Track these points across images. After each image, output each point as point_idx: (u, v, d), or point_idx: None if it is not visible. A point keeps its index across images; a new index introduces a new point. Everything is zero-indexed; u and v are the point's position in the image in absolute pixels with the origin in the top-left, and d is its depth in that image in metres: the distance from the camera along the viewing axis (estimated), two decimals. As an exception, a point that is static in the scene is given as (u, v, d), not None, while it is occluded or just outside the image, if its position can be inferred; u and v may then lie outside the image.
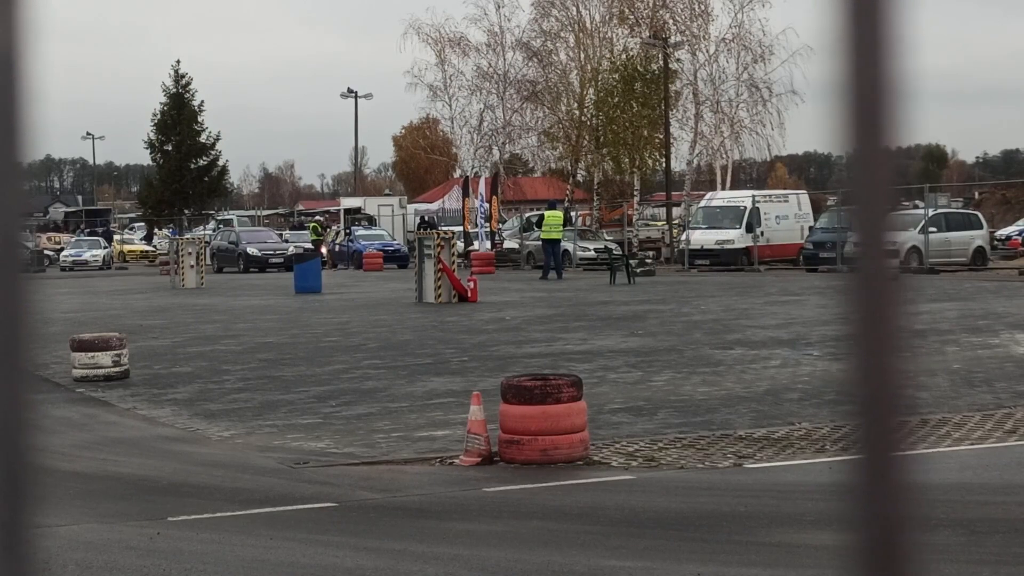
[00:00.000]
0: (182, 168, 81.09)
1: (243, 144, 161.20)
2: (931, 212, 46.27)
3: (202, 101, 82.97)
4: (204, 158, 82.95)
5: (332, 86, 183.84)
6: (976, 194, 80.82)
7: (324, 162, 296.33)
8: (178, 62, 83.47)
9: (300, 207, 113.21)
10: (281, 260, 56.82)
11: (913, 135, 1.66)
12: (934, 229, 44.29)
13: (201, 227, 77.26)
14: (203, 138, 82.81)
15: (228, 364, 20.61)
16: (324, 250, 60.52)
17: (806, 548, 8.58)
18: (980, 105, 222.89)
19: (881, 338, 1.68)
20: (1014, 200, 66.82)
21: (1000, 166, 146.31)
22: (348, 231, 65.68)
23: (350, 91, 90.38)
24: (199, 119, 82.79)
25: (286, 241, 63.34)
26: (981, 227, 47.10)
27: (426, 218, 65.85)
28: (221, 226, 76.92)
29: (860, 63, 1.62)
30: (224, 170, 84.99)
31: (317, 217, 69.64)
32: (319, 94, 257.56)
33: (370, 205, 76.65)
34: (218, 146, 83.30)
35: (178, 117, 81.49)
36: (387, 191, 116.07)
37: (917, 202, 62.09)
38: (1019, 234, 55.62)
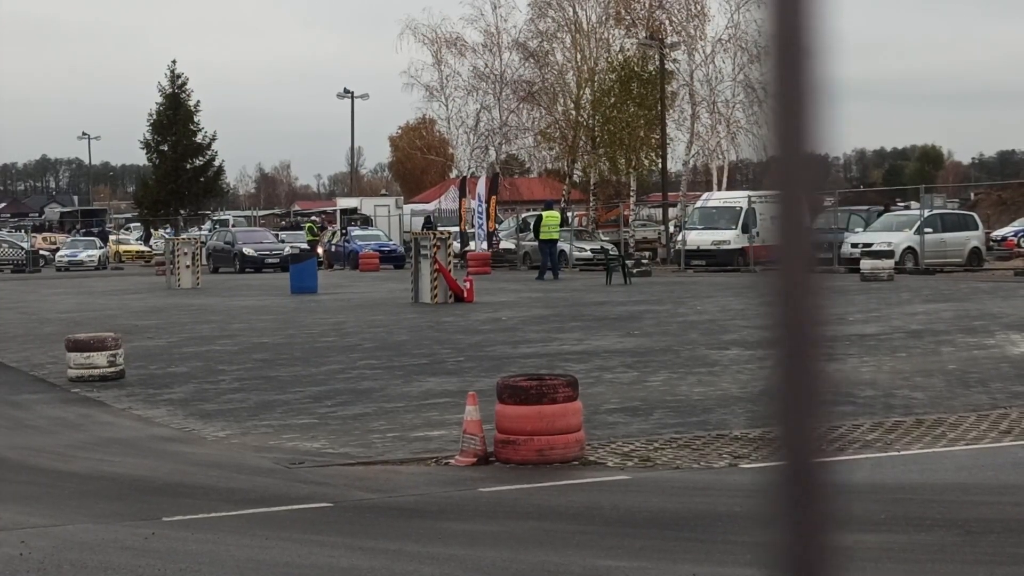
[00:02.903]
0: (178, 168, 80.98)
1: (239, 144, 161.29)
2: (927, 213, 46.30)
3: (198, 101, 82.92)
4: (200, 158, 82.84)
5: (328, 86, 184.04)
6: (972, 195, 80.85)
7: (320, 162, 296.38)
8: (174, 62, 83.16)
9: (296, 207, 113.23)
10: (277, 260, 56.74)
11: (841, 140, 1.65)
12: (930, 230, 44.32)
13: (197, 227, 77.19)
14: (199, 138, 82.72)
15: (224, 364, 20.60)
16: (320, 250, 60.47)
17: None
18: (976, 107, 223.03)
19: (801, 341, 1.68)
20: (1010, 201, 66.85)
21: (996, 167, 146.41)
22: (344, 231, 65.64)
23: (346, 91, 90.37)
24: (195, 119, 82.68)
25: (282, 241, 63.28)
26: (977, 228, 47.13)
27: (431, 218, 65.85)
28: (217, 226, 76.85)
29: (783, 67, 1.61)
30: (220, 170, 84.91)
31: (313, 217, 69.62)
32: (315, 94, 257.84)
33: (366, 205, 76.63)
34: (214, 146, 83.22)
35: (174, 117, 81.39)
36: (383, 191, 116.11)
37: (911, 203, 62.19)
38: (1015, 235, 55.65)
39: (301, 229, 73.09)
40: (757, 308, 1.63)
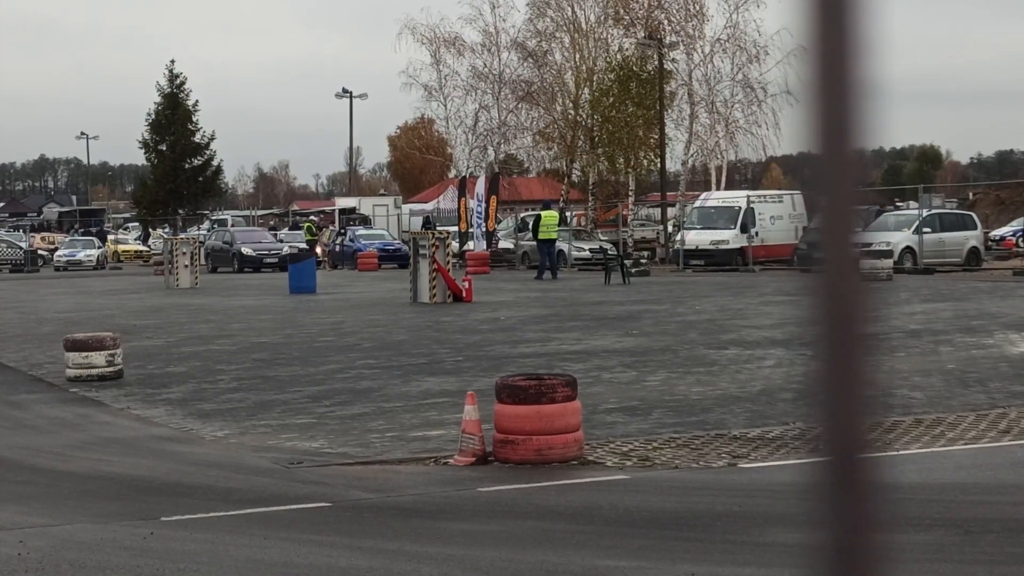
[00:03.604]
0: (176, 168, 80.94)
1: (238, 144, 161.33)
2: (926, 213, 46.30)
3: (196, 101, 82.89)
4: (198, 158, 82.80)
5: (327, 86, 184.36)
6: (971, 195, 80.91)
7: (319, 162, 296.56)
8: (172, 62, 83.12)
9: (295, 207, 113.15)
10: (276, 260, 56.73)
11: (881, 137, 1.65)
12: (928, 230, 44.33)
13: (195, 227, 77.16)
14: (197, 138, 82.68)
15: (222, 364, 20.59)
16: (319, 250, 60.44)
17: (800, 548, 8.57)
18: (974, 106, 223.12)
19: (846, 340, 1.67)
20: (1008, 201, 66.90)
21: (994, 167, 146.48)
22: (344, 231, 65.57)
23: (345, 91, 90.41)
24: (194, 119, 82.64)
25: (281, 241, 63.24)
26: (975, 228, 47.16)
27: (430, 218, 65.84)
28: (216, 226, 76.83)
29: (827, 66, 1.60)
30: (219, 170, 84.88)
31: (311, 217, 69.60)
32: (314, 94, 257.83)
33: (365, 205, 76.65)
34: (212, 146, 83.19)
35: (172, 117, 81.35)
36: (382, 191, 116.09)
37: (910, 203, 62.21)
38: (1013, 234, 55.72)
39: (299, 229, 73.09)
40: (802, 307, 1.62)
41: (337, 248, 62.89)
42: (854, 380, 1.62)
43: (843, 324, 1.62)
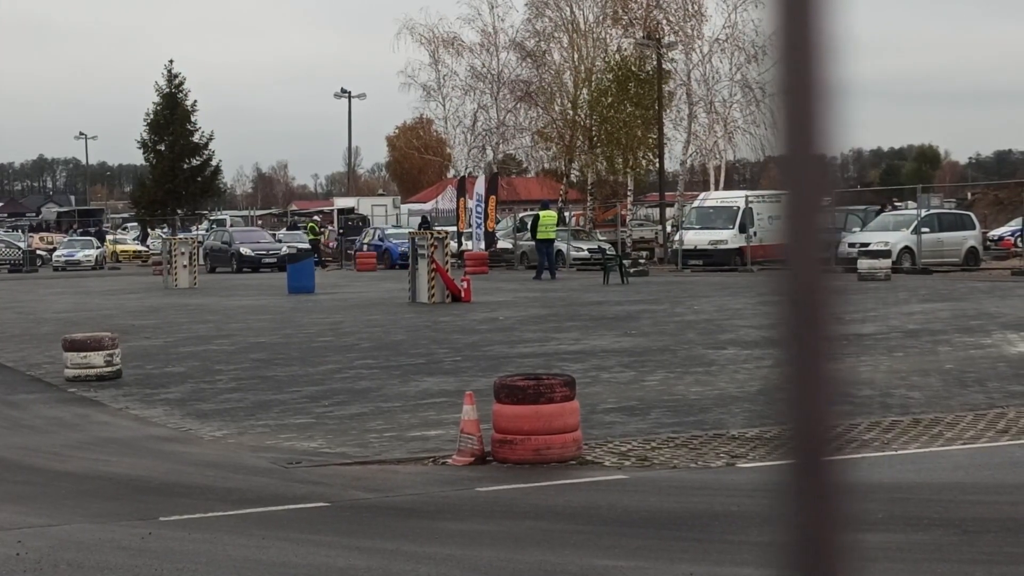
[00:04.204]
0: (175, 168, 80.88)
1: (236, 144, 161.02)
2: (924, 213, 46.31)
3: (195, 101, 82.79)
4: (197, 158, 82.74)
5: (326, 86, 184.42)
6: (969, 195, 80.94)
7: (318, 162, 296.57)
8: (171, 62, 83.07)
9: (293, 207, 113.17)
10: (274, 260, 56.74)
11: (848, 138, 1.64)
12: (927, 229, 44.33)
13: (194, 227, 77.15)
14: (196, 138, 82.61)
15: (221, 364, 20.59)
16: (330, 246, 60.44)
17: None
18: (973, 106, 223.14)
19: (812, 340, 1.67)
20: (1007, 201, 66.86)
21: (993, 167, 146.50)
22: (340, 231, 65.42)
23: (343, 91, 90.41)
24: (192, 119, 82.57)
25: (279, 241, 63.23)
26: (974, 227, 47.16)
27: (428, 218, 65.85)
28: (214, 226, 76.82)
29: (791, 66, 1.60)
30: (217, 170, 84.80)
31: (315, 217, 69.57)
32: (313, 94, 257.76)
33: (364, 205, 76.67)
34: (211, 146, 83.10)
35: (171, 117, 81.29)
36: (381, 191, 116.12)
37: (909, 203, 62.20)
38: (1012, 234, 55.69)
39: (299, 229, 73.06)
40: (765, 307, 1.62)
41: (365, 248, 61.90)
42: (819, 381, 1.62)
43: (808, 325, 1.62)
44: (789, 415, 1.63)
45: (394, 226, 66.91)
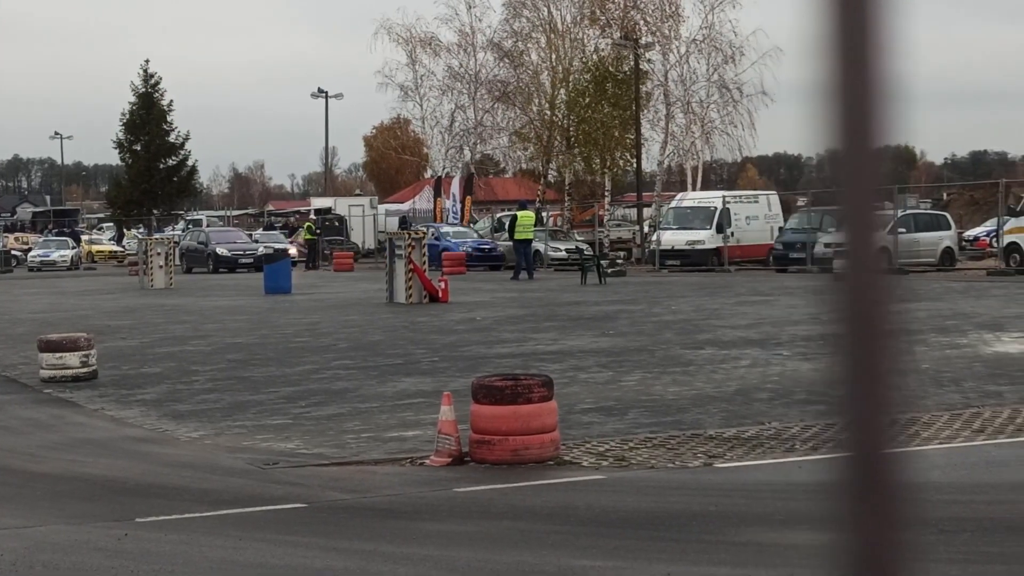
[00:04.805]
0: (151, 168, 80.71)
1: (213, 144, 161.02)
2: (900, 213, 46.45)
3: (171, 101, 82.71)
4: (173, 158, 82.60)
5: (303, 86, 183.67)
6: (944, 195, 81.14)
7: (294, 162, 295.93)
8: (147, 62, 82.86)
9: (270, 207, 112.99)
10: (251, 261, 56.64)
11: (903, 135, 1.64)
12: (903, 230, 44.43)
13: (170, 227, 76.98)
14: (172, 138, 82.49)
15: (197, 365, 20.53)
16: (295, 250, 60.20)
17: (776, 547, 8.58)
18: (949, 107, 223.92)
19: (871, 336, 1.66)
20: (982, 201, 67.15)
21: (968, 167, 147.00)
22: (316, 231, 65.19)
23: (320, 91, 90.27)
24: (168, 119, 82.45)
25: (256, 241, 63.12)
26: (949, 228, 47.33)
27: (407, 218, 65.76)
28: (190, 226, 76.65)
29: (849, 63, 1.59)
30: (193, 170, 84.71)
31: (311, 216, 69.28)
32: (289, 94, 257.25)
33: (341, 205, 76.54)
34: (187, 146, 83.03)
35: (147, 117, 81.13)
36: (358, 191, 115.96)
37: (885, 203, 62.28)
38: (987, 235, 55.88)
39: (274, 229, 72.89)
40: (824, 307, 1.62)
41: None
42: (878, 378, 1.61)
43: (867, 322, 1.61)
44: (847, 413, 1.62)
45: (451, 223, 62.75)
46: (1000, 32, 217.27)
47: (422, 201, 71.37)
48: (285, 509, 10.19)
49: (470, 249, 54.60)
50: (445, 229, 58.92)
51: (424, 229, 56.51)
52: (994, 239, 48.04)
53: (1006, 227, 41.91)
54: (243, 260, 58.06)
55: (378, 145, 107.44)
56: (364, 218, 72.26)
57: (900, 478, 1.64)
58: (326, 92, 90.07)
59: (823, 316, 1.60)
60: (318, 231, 64.32)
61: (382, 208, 76.42)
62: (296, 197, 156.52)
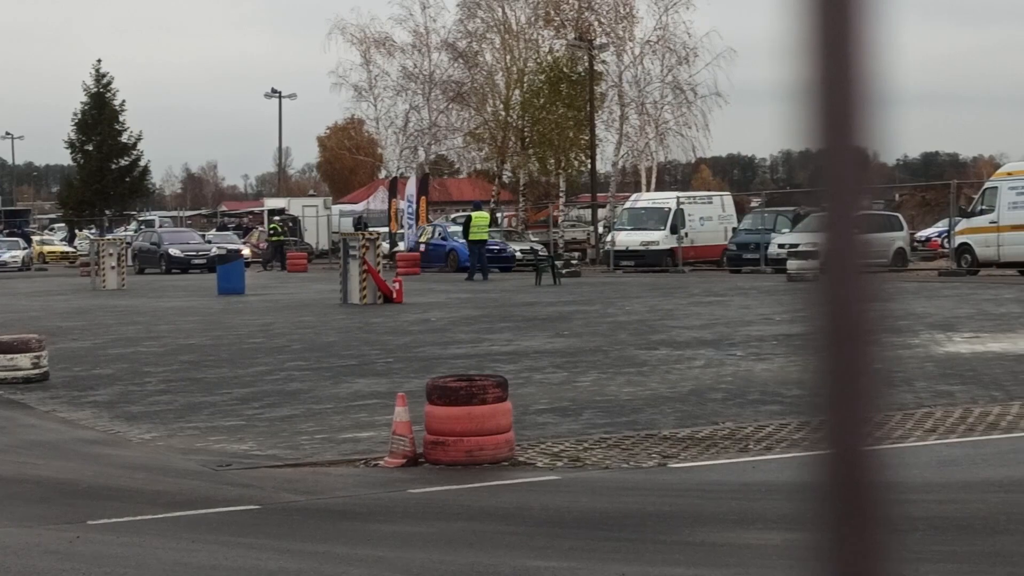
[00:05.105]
0: (103, 168, 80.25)
1: (166, 144, 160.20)
2: (853, 214, 46.62)
3: (123, 101, 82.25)
4: (126, 158, 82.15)
5: (256, 86, 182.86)
6: (897, 196, 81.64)
7: (248, 163, 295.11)
8: (99, 61, 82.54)
9: (223, 208, 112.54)
10: (204, 261, 56.44)
11: (888, 137, 1.64)
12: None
13: (122, 228, 76.56)
14: (124, 138, 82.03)
15: (150, 366, 20.41)
16: (248, 251, 59.93)
17: (730, 547, 8.61)
18: (900, 107, 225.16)
19: (852, 334, 1.66)
20: (933, 202, 67.58)
21: (920, 168, 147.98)
22: (270, 231, 64.90)
23: (274, 91, 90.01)
24: (120, 119, 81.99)
25: (209, 242, 62.85)
26: (901, 229, 47.61)
27: (362, 219, 65.56)
28: (143, 227, 76.27)
29: (830, 63, 1.59)
30: (146, 170, 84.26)
31: (276, 217, 68.98)
32: (243, 94, 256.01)
33: (294, 206, 76.26)
34: (140, 146, 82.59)
35: (99, 117, 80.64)
36: (311, 192, 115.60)
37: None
38: (938, 236, 56.26)
39: (228, 230, 72.55)
40: (801, 308, 1.61)
41: (423, 247, 56.12)
42: (859, 377, 1.61)
43: (848, 322, 1.61)
44: (827, 410, 1.62)
45: (454, 219, 59.63)
46: (952, 34, 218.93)
47: (376, 202, 71.24)
48: (238, 511, 10.14)
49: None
50: (452, 228, 56.11)
51: (440, 227, 54.43)
52: (945, 240, 48.40)
53: (957, 228, 42.20)
54: (196, 261, 57.86)
55: (332, 145, 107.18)
56: (318, 219, 72.05)
57: (879, 477, 1.64)
58: (280, 92, 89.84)
59: (798, 316, 1.60)
60: (284, 231, 64.10)
61: (336, 209, 76.21)
62: (249, 198, 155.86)
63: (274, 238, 62.95)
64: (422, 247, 54.90)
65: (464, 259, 49.21)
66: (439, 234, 55.29)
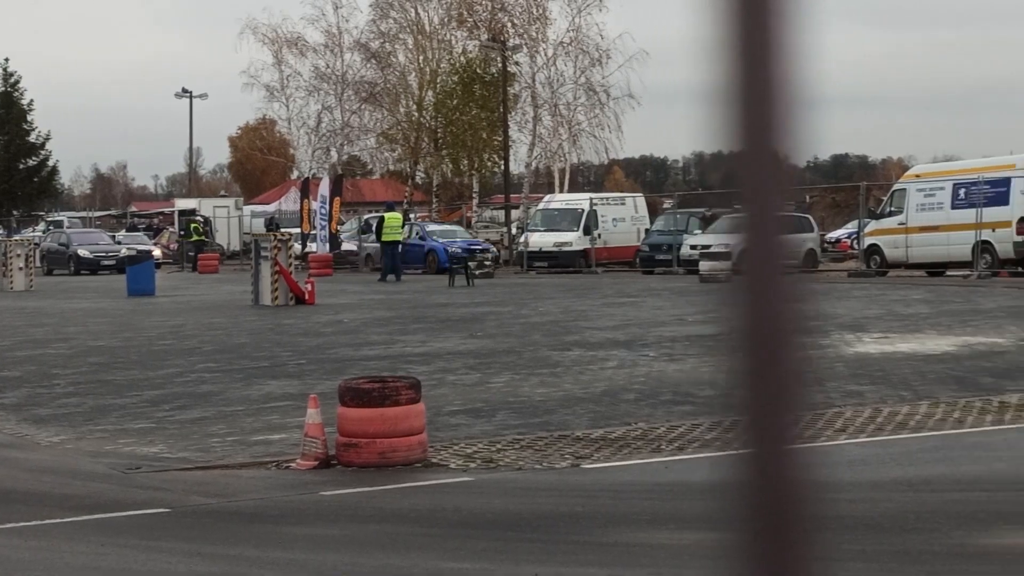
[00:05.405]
0: (10, 168, 79.14)
1: (74, 144, 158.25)
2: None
3: (31, 100, 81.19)
4: (34, 158, 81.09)
5: (167, 85, 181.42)
6: (807, 197, 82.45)
7: (158, 163, 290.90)
8: (7, 60, 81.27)
9: (133, 208, 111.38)
10: (113, 262, 55.88)
11: (810, 139, 1.64)
12: (767, 232, 45.03)
13: (31, 228, 75.58)
14: (33, 138, 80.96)
15: (58, 368, 20.16)
16: (158, 252, 59.34)
17: (642, 547, 8.64)
18: (813, 110, 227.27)
19: (773, 334, 1.66)
20: (843, 203, 68.39)
21: (830, 170, 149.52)
22: (180, 231, 64.38)
23: (185, 91, 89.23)
24: (28, 118, 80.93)
25: (118, 243, 62.21)
26: (812, 230, 48.10)
27: (275, 220, 65.12)
28: (51, 227, 75.33)
29: (750, 64, 1.59)
30: (54, 170, 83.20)
31: (197, 217, 68.27)
32: (153, 94, 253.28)
33: (205, 206, 75.68)
34: (48, 146, 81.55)
35: (7, 116, 79.53)
36: (223, 192, 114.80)
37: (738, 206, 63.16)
38: (848, 237, 56.91)
39: (138, 230, 71.82)
40: (720, 309, 1.60)
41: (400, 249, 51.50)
42: (783, 377, 1.61)
43: (771, 322, 1.61)
44: (748, 408, 1.62)
45: (434, 220, 58.21)
46: (863, 37, 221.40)
47: (288, 202, 70.85)
48: (148, 514, 10.03)
49: (459, 250, 49.53)
50: (431, 227, 54.32)
51: (417, 226, 52.93)
52: (855, 241, 48.96)
53: (867, 229, 42.69)
54: (106, 262, 57.28)
55: (243, 146, 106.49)
56: (229, 219, 71.53)
57: (802, 475, 1.64)
58: (190, 92, 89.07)
59: (713, 317, 1.60)
60: (205, 231, 63.43)
61: (247, 209, 75.71)
62: (160, 198, 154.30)
63: (195, 238, 62.48)
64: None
65: (444, 261, 48.35)
66: (417, 234, 52.53)
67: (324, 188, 59.05)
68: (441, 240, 51.52)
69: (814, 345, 1.61)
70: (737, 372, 1.62)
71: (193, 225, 65.13)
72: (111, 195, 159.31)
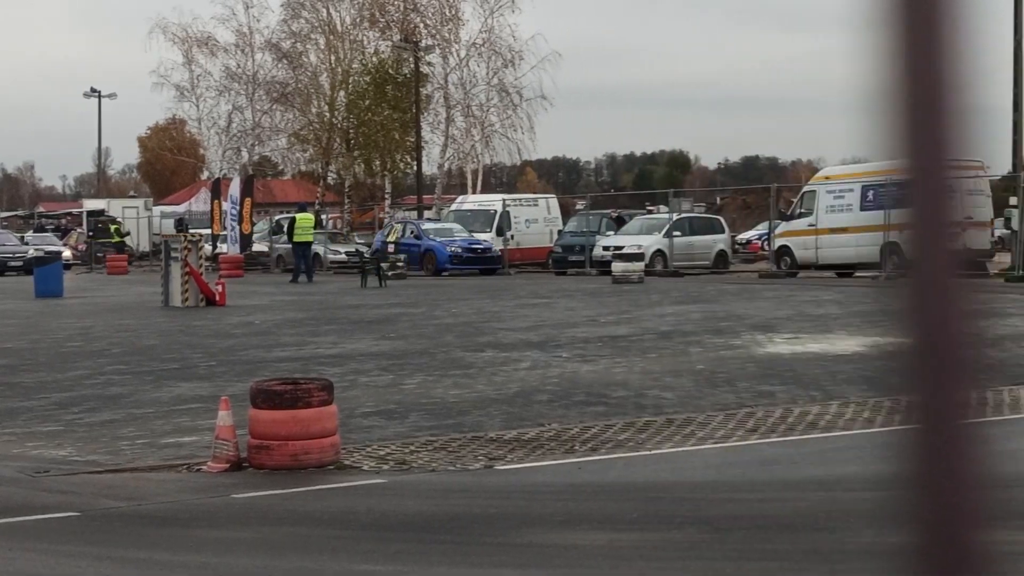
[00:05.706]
0: (-85, 168, 78.00)
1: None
2: (675, 217, 47.44)
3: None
4: (-62, 157, 79.97)
5: (74, 85, 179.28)
6: (718, 199, 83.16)
7: (66, 163, 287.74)
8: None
9: (40, 209, 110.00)
10: (21, 263, 55.14)
11: (974, 150, 1.65)
12: (678, 233, 45.43)
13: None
14: (-63, 137, 79.87)
15: (-36, 370, 19.84)
16: (69, 253, 58.61)
17: (556, 548, 8.64)
18: (722, 113, 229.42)
19: (946, 339, 1.66)
20: (754, 205, 69.05)
21: (741, 172, 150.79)
22: (88, 231, 63.68)
23: (93, 91, 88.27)
24: (-67, 117, 79.80)
25: (26, 244, 61.40)
26: (723, 232, 48.54)
27: (184, 221, 64.56)
28: (-44, 229, 74.21)
29: (921, 71, 1.59)
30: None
31: (118, 220, 67.38)
32: (61, 93, 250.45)
33: (114, 207, 74.92)
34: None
35: (-90, 114, 78.41)
36: (132, 193, 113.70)
37: (661, 207, 63.62)
38: (759, 238, 57.42)
39: (46, 231, 70.94)
40: (894, 313, 1.60)
41: (393, 247, 49.93)
42: (954, 378, 1.62)
43: (943, 335, 1.61)
44: (921, 386, 1.62)
45: (429, 218, 55.99)
46: (772, 40, 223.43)
47: (199, 203, 70.29)
48: (57, 518, 9.90)
49: (459, 249, 48.35)
50: (427, 226, 52.04)
51: (412, 225, 51.17)
52: (766, 242, 49.41)
53: (777, 231, 43.09)
54: (12, 263, 56.55)
55: (153, 146, 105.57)
56: (139, 220, 70.83)
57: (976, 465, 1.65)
58: (99, 92, 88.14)
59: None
60: (127, 232, 62.67)
61: (157, 210, 75.03)
62: (68, 199, 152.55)
63: (116, 239, 61.87)
64: (391, 247, 49.06)
65: (443, 261, 47.71)
66: (412, 233, 50.79)
67: (235, 189, 58.62)
68: (439, 239, 49.49)
69: (981, 348, 1.63)
70: (911, 372, 1.63)
71: (114, 227, 64.44)
72: (18, 195, 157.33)
